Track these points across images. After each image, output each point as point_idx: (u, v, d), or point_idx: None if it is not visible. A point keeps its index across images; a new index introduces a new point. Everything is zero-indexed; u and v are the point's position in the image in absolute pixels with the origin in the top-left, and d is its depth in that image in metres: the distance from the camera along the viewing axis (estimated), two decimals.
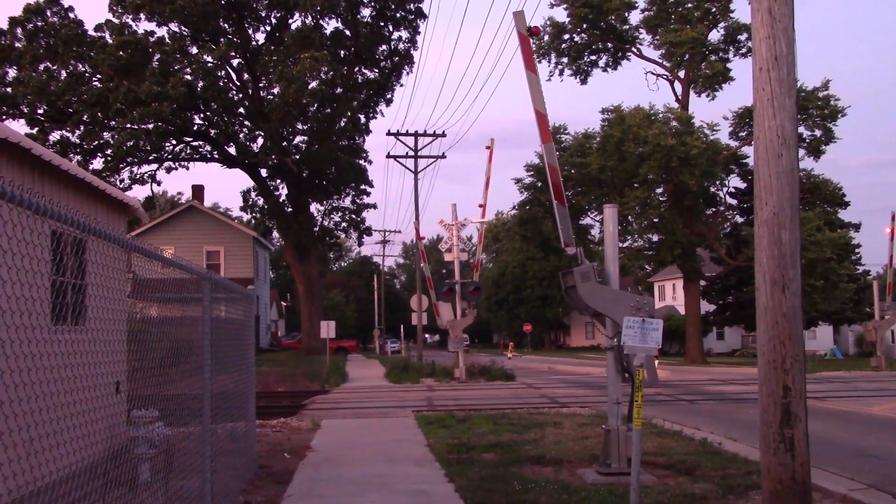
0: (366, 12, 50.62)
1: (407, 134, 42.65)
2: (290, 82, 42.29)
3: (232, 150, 50.71)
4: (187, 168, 55.64)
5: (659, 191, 46.96)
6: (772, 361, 6.81)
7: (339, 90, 48.74)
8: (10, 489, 4.15)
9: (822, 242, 42.36)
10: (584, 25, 48.78)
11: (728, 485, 9.47)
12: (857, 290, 52.74)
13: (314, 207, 54.08)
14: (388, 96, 53.68)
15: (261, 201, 54.17)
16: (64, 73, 43.55)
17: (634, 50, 50.52)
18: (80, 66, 44.17)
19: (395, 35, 51.71)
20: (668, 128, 42.54)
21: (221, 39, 47.09)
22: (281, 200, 53.07)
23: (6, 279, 3.87)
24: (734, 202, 52.69)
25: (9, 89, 42.73)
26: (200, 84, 45.91)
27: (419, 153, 42.74)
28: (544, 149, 11.30)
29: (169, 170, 50.28)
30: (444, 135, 43.05)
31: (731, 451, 11.82)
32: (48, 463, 4.60)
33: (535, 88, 11.01)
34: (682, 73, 48.37)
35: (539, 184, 49.11)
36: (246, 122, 50.85)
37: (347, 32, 49.62)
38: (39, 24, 43.20)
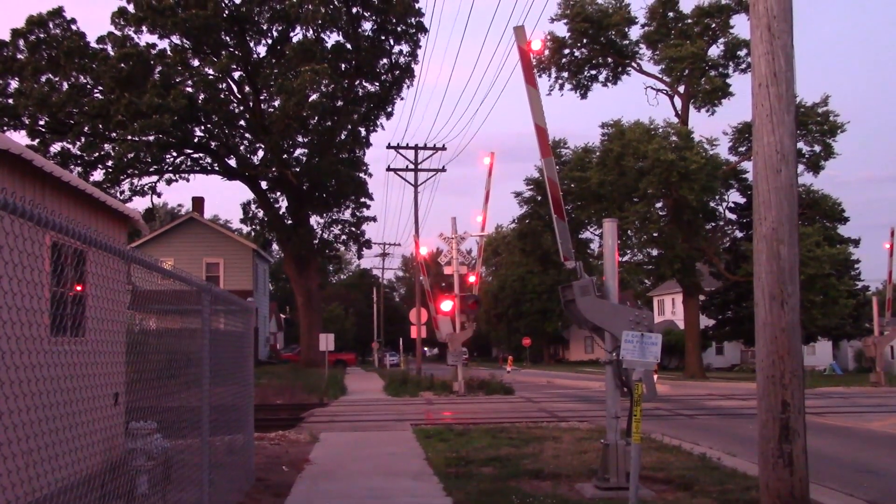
0: (367, 26, 50.88)
1: (407, 147, 42.73)
2: (291, 95, 42.43)
3: (232, 162, 50.83)
4: (188, 180, 55.93)
5: (658, 205, 47.04)
6: (770, 376, 6.82)
7: (339, 103, 48.86)
8: (8, 500, 4.15)
9: (822, 258, 42.39)
10: (585, 40, 48.97)
11: (727, 500, 9.45)
12: (856, 305, 52.69)
13: (314, 220, 54.14)
14: (389, 109, 53.84)
15: (261, 214, 54.22)
16: (65, 85, 43.70)
17: (634, 65, 50.71)
18: (82, 77, 44.34)
19: (396, 49, 51.91)
20: (667, 142, 42.65)
21: (223, 52, 47.27)
22: (281, 213, 53.13)
23: (6, 290, 3.88)
24: (733, 217, 52.77)
25: (10, 100, 42.88)
26: (201, 96, 46.07)
27: (419, 166, 42.80)
28: (544, 163, 11.33)
29: (169, 182, 50.43)
30: (444, 148, 43.14)
31: (730, 467, 11.80)
32: (46, 474, 4.60)
33: (534, 103, 11.05)
34: (681, 88, 48.54)
35: (539, 197, 49.20)
36: (246, 135, 50.99)
37: (348, 46, 49.80)
38: (42, 35, 43.39)
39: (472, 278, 33.08)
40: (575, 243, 41.40)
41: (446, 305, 31.29)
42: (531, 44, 11.80)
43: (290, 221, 52.35)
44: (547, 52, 48.89)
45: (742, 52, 46.57)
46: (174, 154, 49.19)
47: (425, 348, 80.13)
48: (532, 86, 11.12)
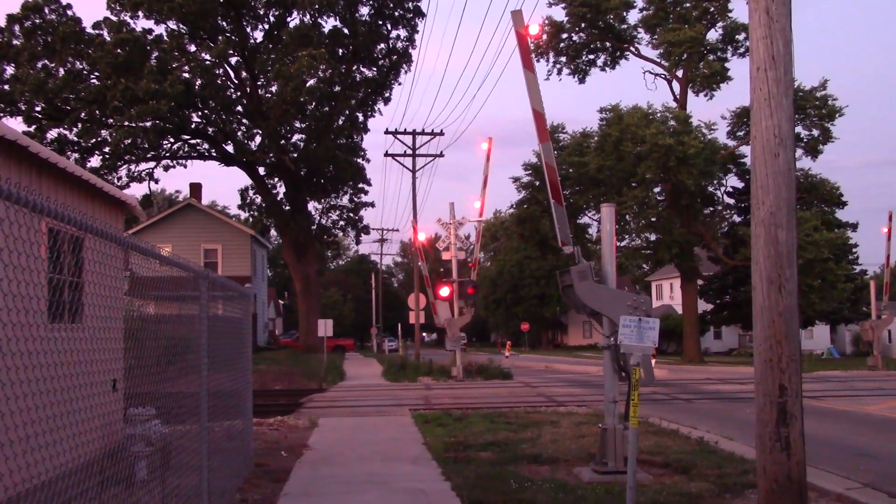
0: (364, 11, 50.58)
1: (405, 133, 42.64)
2: (288, 80, 42.25)
3: (230, 148, 50.64)
4: (185, 166, 55.60)
5: (656, 190, 47.01)
6: (768, 360, 6.82)
7: (337, 88, 48.68)
8: (6, 486, 4.15)
9: (820, 242, 42.41)
10: (583, 24, 48.80)
11: (724, 483, 9.49)
12: (854, 289, 52.79)
13: (312, 206, 54.04)
14: (387, 95, 53.64)
15: (258, 199, 54.09)
16: (62, 71, 43.46)
17: (633, 49, 50.54)
18: (78, 63, 44.08)
19: (394, 33, 51.67)
20: (665, 127, 42.57)
21: (219, 37, 46.98)
22: (279, 199, 53.00)
23: (2, 276, 3.87)
24: (732, 201, 52.80)
25: (6, 87, 42.64)
26: (198, 82, 45.86)
27: (417, 152, 42.70)
28: (542, 148, 11.31)
29: (167, 168, 50.16)
30: (442, 133, 43.05)
31: (728, 450, 11.84)
32: (45, 460, 4.60)
33: (532, 87, 11.01)
34: (680, 73, 48.39)
35: (537, 183, 49.10)
36: (244, 121, 50.79)
37: (346, 31, 49.55)
38: (37, 21, 43.11)
39: (469, 260, 33.08)
40: (573, 228, 41.38)
41: (444, 291, 31.30)
42: (529, 28, 11.74)
43: (288, 207, 52.25)
44: (545, 37, 48.71)
45: (741, 37, 46.40)
46: (171, 140, 48.99)
47: (424, 334, 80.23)
48: (530, 70, 11.07)
